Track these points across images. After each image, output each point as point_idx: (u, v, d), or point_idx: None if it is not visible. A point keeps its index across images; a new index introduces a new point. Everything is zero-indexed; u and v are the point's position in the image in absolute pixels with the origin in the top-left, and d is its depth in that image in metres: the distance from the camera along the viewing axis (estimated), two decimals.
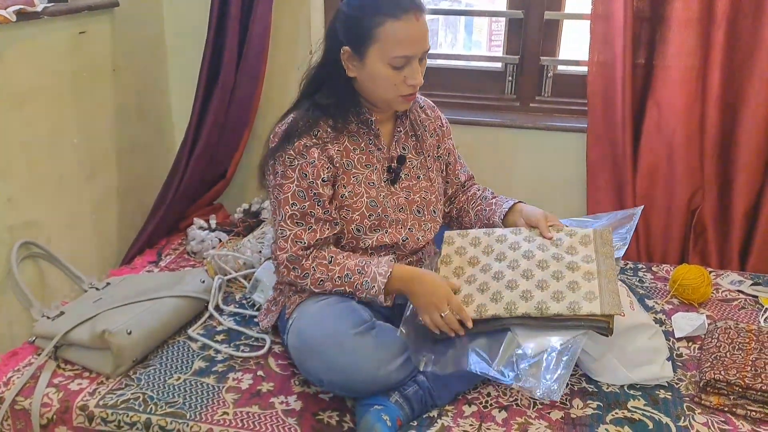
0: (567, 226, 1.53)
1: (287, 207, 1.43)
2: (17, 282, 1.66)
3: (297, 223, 1.43)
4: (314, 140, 1.43)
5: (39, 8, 1.68)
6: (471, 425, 1.34)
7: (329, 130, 1.45)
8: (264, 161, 1.48)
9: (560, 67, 2.18)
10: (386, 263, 1.41)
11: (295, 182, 1.42)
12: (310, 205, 1.42)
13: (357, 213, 1.47)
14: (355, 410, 1.36)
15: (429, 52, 1.42)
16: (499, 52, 2.29)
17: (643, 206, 1.69)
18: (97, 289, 1.72)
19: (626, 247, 1.47)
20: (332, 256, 1.43)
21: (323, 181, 1.43)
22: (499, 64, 2.23)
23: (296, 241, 1.42)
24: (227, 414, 1.37)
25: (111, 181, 2.07)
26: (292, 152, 1.42)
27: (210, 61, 2.04)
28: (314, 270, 1.42)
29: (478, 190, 1.69)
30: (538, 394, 1.25)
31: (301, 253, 1.42)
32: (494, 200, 1.64)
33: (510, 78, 2.19)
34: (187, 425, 1.36)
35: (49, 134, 1.79)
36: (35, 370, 1.49)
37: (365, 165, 1.48)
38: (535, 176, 2.18)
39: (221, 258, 1.89)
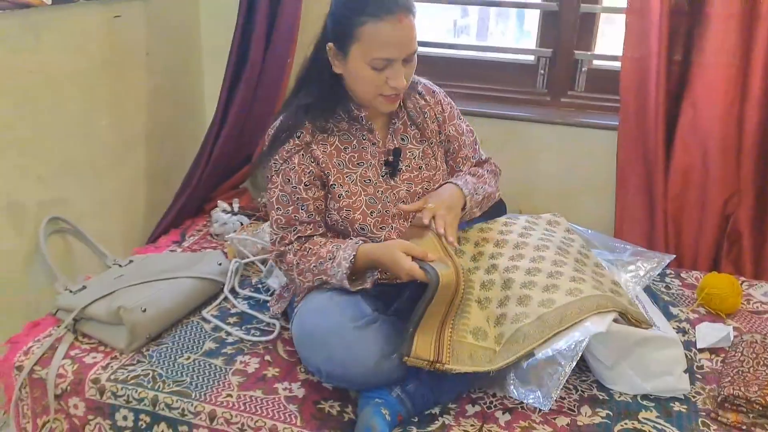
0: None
1: (273, 212, 1.47)
2: (44, 255, 1.71)
3: (282, 227, 1.46)
4: (297, 143, 1.44)
5: None
6: (472, 425, 1.32)
7: (314, 130, 1.45)
8: (257, 166, 1.51)
9: (595, 62, 2.11)
10: (352, 246, 1.39)
11: (279, 187, 1.45)
12: (294, 209, 1.45)
13: (358, 212, 1.46)
14: (358, 402, 1.36)
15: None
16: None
17: (674, 256, 1.69)
18: (119, 266, 1.77)
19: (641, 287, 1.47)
20: (310, 247, 1.44)
21: (305, 185, 1.44)
22: (531, 57, 2.18)
23: (281, 243, 1.46)
24: (231, 396, 1.39)
25: (141, 161, 2.12)
26: (277, 158, 1.45)
27: (239, 45, 2.05)
28: (297, 263, 1.44)
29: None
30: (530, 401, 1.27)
31: (284, 248, 1.46)
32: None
33: (542, 71, 2.13)
34: (192, 405, 1.38)
35: (81, 115, 1.84)
36: (54, 341, 1.54)
37: (357, 163, 1.47)
38: (562, 173, 2.13)
39: (240, 242, 1.90)
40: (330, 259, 1.39)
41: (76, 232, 1.84)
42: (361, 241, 1.42)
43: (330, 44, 1.39)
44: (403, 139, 1.52)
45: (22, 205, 1.69)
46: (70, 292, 1.64)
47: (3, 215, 1.65)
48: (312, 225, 1.46)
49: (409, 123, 1.53)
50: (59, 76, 1.74)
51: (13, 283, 1.70)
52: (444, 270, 1.27)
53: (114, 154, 1.98)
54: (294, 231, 1.46)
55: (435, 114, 1.57)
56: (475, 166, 1.64)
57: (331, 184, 1.46)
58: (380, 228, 1.47)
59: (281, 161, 1.44)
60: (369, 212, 1.47)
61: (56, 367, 1.48)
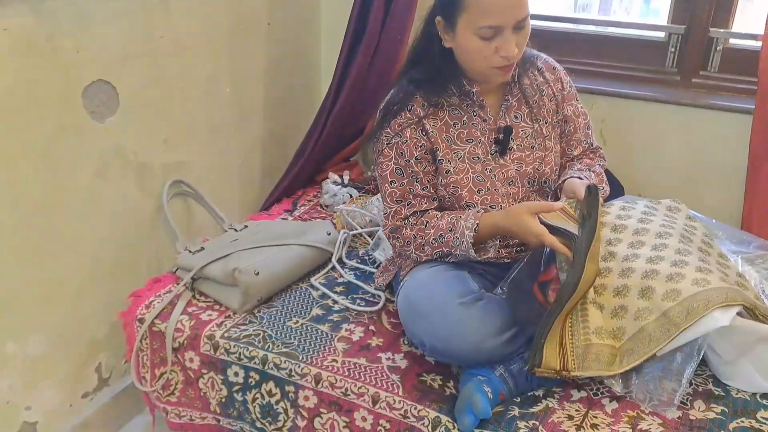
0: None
1: (387, 185, 1.46)
2: (167, 216, 1.81)
3: (396, 200, 1.45)
4: (409, 116, 1.42)
5: None
6: (577, 411, 1.28)
7: (425, 104, 1.43)
8: (368, 139, 1.51)
9: (732, 41, 1.96)
10: (473, 215, 1.38)
11: (393, 160, 1.44)
12: (409, 182, 1.44)
13: (465, 189, 1.44)
14: (460, 377, 1.35)
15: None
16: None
17: None
18: (235, 230, 1.84)
19: None
20: (428, 220, 1.43)
21: (416, 159, 1.43)
22: (662, 34, 2.05)
23: (396, 217, 1.46)
24: (336, 362, 1.42)
25: (258, 130, 2.18)
26: (389, 131, 1.44)
27: (357, 18, 2.05)
28: (414, 237, 1.43)
29: (581, 163, 1.55)
30: (650, 405, 1.24)
31: (400, 223, 1.45)
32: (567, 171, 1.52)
33: (673, 49, 2.01)
34: (299, 366, 1.42)
35: (205, 81, 1.91)
36: (173, 297, 1.62)
37: (466, 140, 1.45)
38: (688, 158, 2.00)
39: (349, 213, 1.93)
40: (450, 231, 1.38)
41: (196, 195, 1.92)
42: (482, 210, 1.41)
43: (439, 18, 1.37)
44: (516, 117, 1.48)
45: (149, 166, 1.78)
46: (190, 252, 1.72)
47: (132, 175, 1.74)
48: (427, 199, 1.46)
49: (523, 100, 1.49)
50: (187, 41, 1.81)
51: (138, 240, 1.80)
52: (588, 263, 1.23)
53: (233, 120, 2.05)
54: (409, 205, 1.45)
55: (554, 92, 1.51)
56: (585, 152, 1.57)
57: (439, 159, 1.44)
58: (489, 207, 1.45)
59: (393, 134, 1.44)
60: (476, 190, 1.44)
61: (175, 321, 1.56)
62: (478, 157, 1.45)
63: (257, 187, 2.23)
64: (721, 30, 1.94)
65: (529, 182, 1.48)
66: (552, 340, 1.25)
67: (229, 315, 1.59)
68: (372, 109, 2.19)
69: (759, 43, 1.80)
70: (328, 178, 2.16)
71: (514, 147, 1.47)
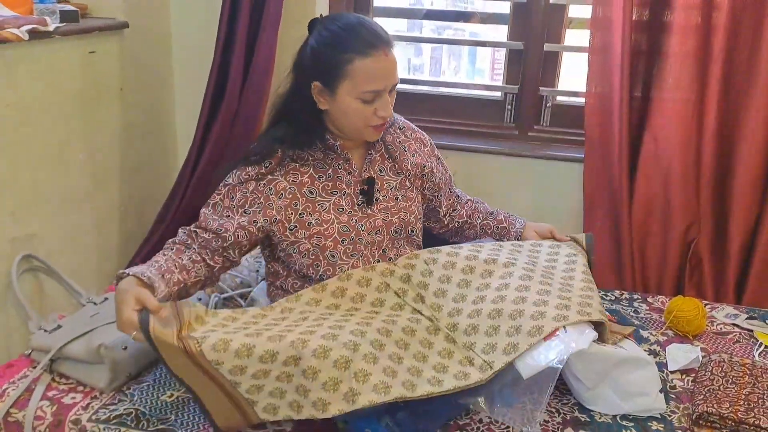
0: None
1: (204, 209, 1.49)
2: (16, 295, 1.68)
3: (197, 226, 1.48)
4: (261, 171, 1.47)
5: (51, 28, 1.73)
6: None
7: (288, 160, 1.48)
8: (217, 176, 1.53)
9: (559, 98, 2.22)
10: (145, 267, 1.38)
11: (222, 197, 1.48)
12: (217, 219, 1.46)
13: (330, 240, 1.48)
14: None
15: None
16: (500, 81, 2.33)
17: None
18: (94, 303, 1.73)
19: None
20: (182, 248, 1.48)
21: (245, 212, 1.45)
22: (499, 94, 2.27)
23: (184, 229, 1.51)
24: None
25: (114, 197, 2.10)
26: (234, 175, 1.48)
27: (216, 82, 2.07)
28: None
29: (477, 203, 1.77)
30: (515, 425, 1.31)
31: (182, 232, 1.52)
32: (503, 217, 1.73)
33: (509, 107, 2.23)
34: None
35: (55, 150, 1.83)
36: (30, 382, 1.49)
37: (331, 192, 1.50)
38: (531, 205, 2.21)
39: None
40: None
41: (48, 269, 1.80)
42: (153, 269, 1.39)
43: (316, 83, 1.43)
44: (380, 171, 1.56)
45: None
46: (45, 331, 1.59)
47: None
48: (216, 241, 1.46)
49: (386, 155, 1.57)
50: (34, 110, 1.74)
51: None
52: (160, 327, 1.24)
53: (87, 188, 1.97)
54: (196, 235, 1.47)
55: (415, 148, 1.62)
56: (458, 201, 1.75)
57: (300, 213, 1.47)
58: (350, 255, 1.49)
59: (237, 180, 1.47)
60: (340, 240, 1.49)
61: (33, 409, 1.43)
62: (343, 208, 1.50)
63: (115, 257, 2.14)
64: (549, 89, 2.19)
65: (395, 231, 1.55)
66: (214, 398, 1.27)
67: (96, 395, 1.48)
68: None
69: (582, 99, 2.05)
70: None
71: (380, 198, 1.54)
